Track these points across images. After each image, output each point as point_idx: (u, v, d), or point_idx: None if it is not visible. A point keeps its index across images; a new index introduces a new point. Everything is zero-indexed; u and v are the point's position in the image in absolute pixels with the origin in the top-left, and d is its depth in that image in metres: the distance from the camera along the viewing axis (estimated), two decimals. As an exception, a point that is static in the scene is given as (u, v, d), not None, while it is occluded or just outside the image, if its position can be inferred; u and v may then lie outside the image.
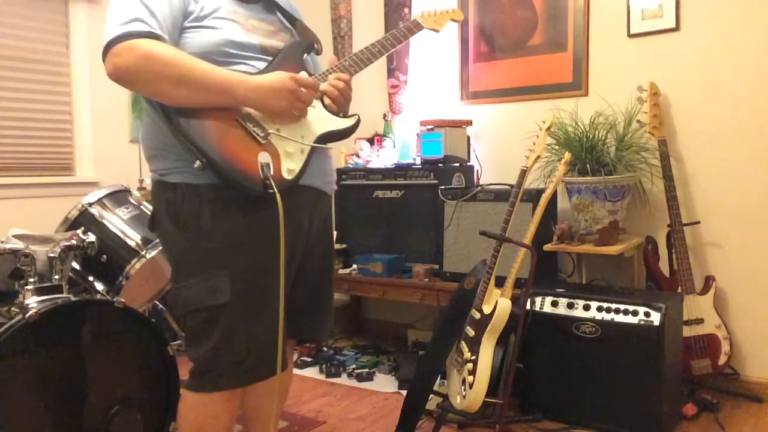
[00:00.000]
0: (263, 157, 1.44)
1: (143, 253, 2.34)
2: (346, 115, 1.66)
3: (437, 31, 1.98)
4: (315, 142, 1.55)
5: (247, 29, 1.56)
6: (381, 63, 3.76)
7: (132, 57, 1.38)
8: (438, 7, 2.01)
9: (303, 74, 1.54)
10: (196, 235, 1.50)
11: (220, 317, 1.49)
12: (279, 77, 1.46)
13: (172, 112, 1.43)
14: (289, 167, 1.48)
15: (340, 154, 3.60)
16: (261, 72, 1.52)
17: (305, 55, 1.65)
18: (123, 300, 2.03)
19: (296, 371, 3.20)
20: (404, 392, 2.55)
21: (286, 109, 1.48)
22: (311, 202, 1.64)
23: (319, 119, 1.58)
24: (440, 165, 3.19)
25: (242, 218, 1.47)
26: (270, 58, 1.57)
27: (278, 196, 1.40)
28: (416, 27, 1.87)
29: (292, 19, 1.72)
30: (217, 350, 1.50)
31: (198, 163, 1.40)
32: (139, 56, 1.37)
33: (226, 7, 1.56)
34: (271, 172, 1.43)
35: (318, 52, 1.71)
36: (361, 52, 1.70)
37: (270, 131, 1.49)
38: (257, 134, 1.46)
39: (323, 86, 1.61)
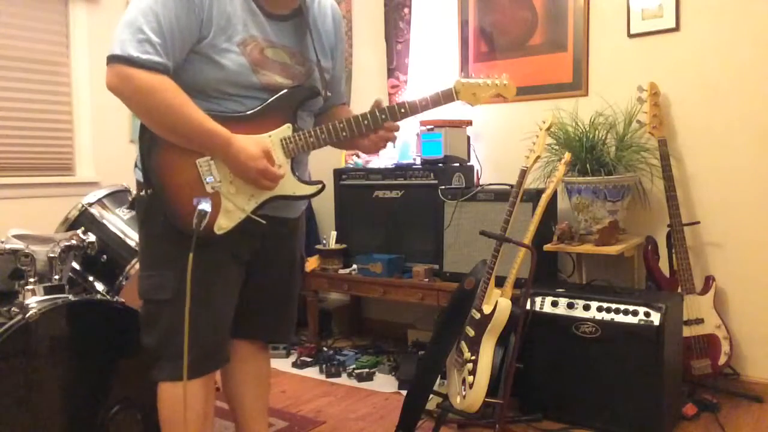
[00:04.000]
0: (204, 205, 1.48)
1: (143, 253, 2.34)
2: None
3: (472, 105, 1.73)
4: (264, 203, 1.59)
5: (256, 63, 1.56)
6: (381, 63, 3.76)
7: (129, 87, 1.45)
8: (486, 79, 1.70)
9: (275, 134, 1.57)
10: (150, 236, 1.63)
11: (164, 312, 1.60)
12: (253, 151, 1.52)
13: (145, 131, 1.53)
14: (221, 224, 1.56)
15: (340, 154, 3.60)
16: (248, 115, 1.56)
17: (302, 102, 1.64)
18: (123, 300, 2.03)
19: (296, 371, 3.20)
20: (404, 392, 2.55)
21: (251, 180, 1.55)
22: (268, 224, 1.65)
23: (280, 182, 1.59)
24: (440, 165, 3.19)
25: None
26: (267, 97, 1.58)
27: (191, 255, 1.43)
28: (446, 99, 1.67)
29: (316, 49, 1.70)
30: (161, 342, 1.62)
31: (143, 192, 1.56)
32: (135, 89, 1.45)
33: (249, 28, 1.55)
34: (205, 222, 1.48)
35: (324, 100, 1.72)
36: (399, 106, 1.65)
37: (220, 184, 1.54)
38: (207, 182, 1.54)
39: (371, 137, 1.64)
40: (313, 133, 1.61)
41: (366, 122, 1.62)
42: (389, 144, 1.76)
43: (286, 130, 1.59)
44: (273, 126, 1.59)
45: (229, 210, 1.56)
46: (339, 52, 1.81)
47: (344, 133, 1.62)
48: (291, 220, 1.78)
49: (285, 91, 1.61)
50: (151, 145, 1.53)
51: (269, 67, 1.59)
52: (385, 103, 1.66)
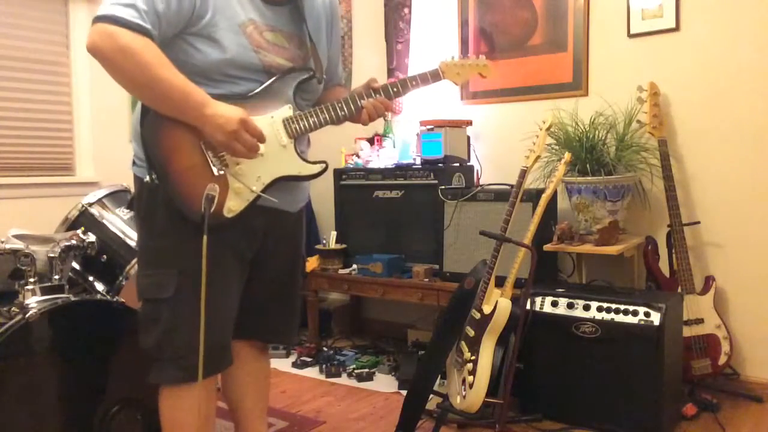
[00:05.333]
0: (211, 189, 1.49)
1: (143, 253, 2.34)
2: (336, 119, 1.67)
3: (456, 84, 1.88)
4: (271, 183, 1.60)
5: (258, 45, 1.58)
6: (381, 63, 3.76)
7: (109, 44, 1.43)
8: (467, 60, 1.83)
9: (277, 114, 1.59)
10: (151, 232, 1.62)
11: (164, 312, 1.58)
12: (227, 115, 1.49)
13: (145, 112, 1.52)
14: (231, 206, 1.55)
15: (340, 154, 3.60)
16: (249, 96, 1.57)
17: (300, 85, 1.65)
18: (123, 300, 2.03)
19: (296, 371, 3.20)
20: (404, 392, 2.56)
21: (223, 144, 1.51)
22: (268, 219, 1.68)
23: (285, 161, 1.61)
24: (440, 165, 3.19)
25: (192, 224, 1.51)
26: (267, 80, 1.60)
27: (205, 238, 1.45)
28: (434, 78, 1.78)
29: (312, 35, 1.72)
30: (160, 343, 1.60)
31: (147, 178, 1.54)
32: (116, 47, 1.43)
33: (247, 11, 1.57)
34: (214, 206, 1.49)
35: (319, 82, 1.73)
36: (391, 84, 1.73)
37: (227, 166, 1.54)
38: (214, 164, 1.53)
39: (364, 102, 1.67)
40: (313, 112, 1.64)
41: (362, 100, 1.69)
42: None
43: (287, 110, 1.61)
44: (274, 107, 1.60)
45: (237, 191, 1.55)
46: (335, 36, 1.83)
47: (343, 113, 1.66)
48: (293, 215, 1.77)
49: (282, 73, 1.62)
50: (154, 131, 1.52)
51: (270, 49, 1.61)
52: (379, 83, 1.74)
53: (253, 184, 1.57)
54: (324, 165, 1.66)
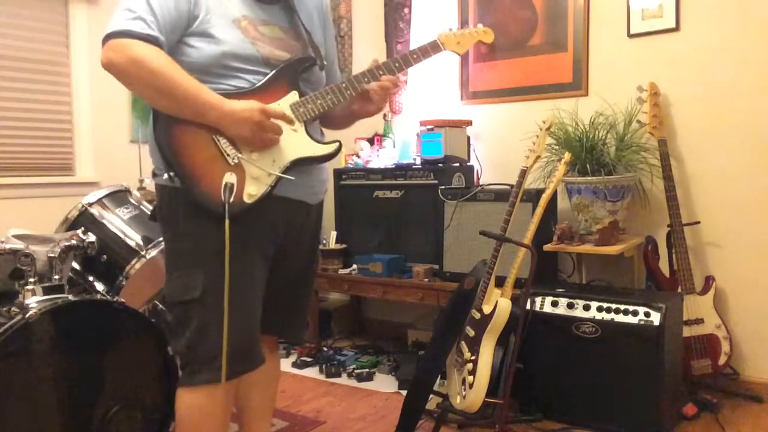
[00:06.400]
0: (228, 178, 1.51)
1: (143, 253, 2.34)
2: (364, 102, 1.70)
3: (459, 54, 1.90)
4: (287, 166, 1.60)
5: (253, 38, 1.60)
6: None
7: (124, 57, 1.47)
8: (466, 29, 1.86)
9: (284, 101, 1.60)
10: (174, 235, 1.62)
11: (194, 312, 1.57)
12: (248, 108, 1.52)
13: (156, 118, 1.54)
14: (251, 192, 1.56)
15: (340, 154, 3.60)
16: (254, 88, 1.59)
17: (303, 73, 1.66)
18: (123, 300, 2.03)
19: (296, 371, 3.20)
20: (404, 392, 2.56)
21: (249, 138, 1.54)
22: (288, 211, 1.68)
23: (297, 144, 1.62)
24: (440, 165, 3.19)
25: (214, 221, 1.52)
26: (269, 71, 1.61)
27: (227, 222, 1.47)
28: (434, 49, 1.80)
29: (306, 25, 1.74)
30: (192, 345, 1.59)
31: (166, 176, 1.54)
32: (130, 59, 1.46)
33: (240, 8, 1.60)
34: (234, 194, 1.50)
35: (321, 68, 1.73)
36: (393, 60, 1.74)
37: (241, 154, 1.55)
38: (228, 155, 1.54)
39: (371, 85, 1.68)
40: (319, 95, 1.65)
41: (366, 79, 1.70)
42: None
43: (293, 96, 1.63)
44: (279, 95, 1.61)
45: (255, 176, 1.56)
46: (328, 31, 1.85)
47: (348, 92, 1.67)
48: (312, 207, 1.77)
49: (284, 63, 1.64)
50: (166, 132, 1.53)
51: (266, 41, 1.62)
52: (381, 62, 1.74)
53: (269, 168, 1.58)
54: (338, 144, 1.67)
